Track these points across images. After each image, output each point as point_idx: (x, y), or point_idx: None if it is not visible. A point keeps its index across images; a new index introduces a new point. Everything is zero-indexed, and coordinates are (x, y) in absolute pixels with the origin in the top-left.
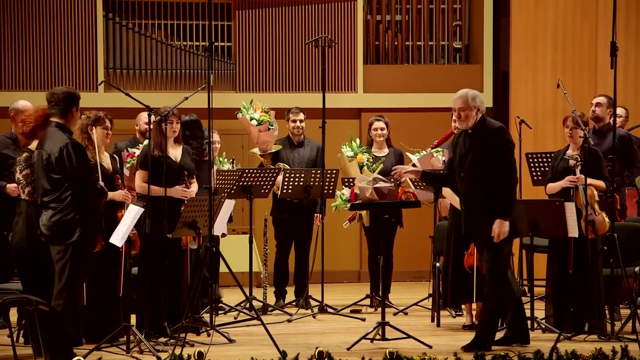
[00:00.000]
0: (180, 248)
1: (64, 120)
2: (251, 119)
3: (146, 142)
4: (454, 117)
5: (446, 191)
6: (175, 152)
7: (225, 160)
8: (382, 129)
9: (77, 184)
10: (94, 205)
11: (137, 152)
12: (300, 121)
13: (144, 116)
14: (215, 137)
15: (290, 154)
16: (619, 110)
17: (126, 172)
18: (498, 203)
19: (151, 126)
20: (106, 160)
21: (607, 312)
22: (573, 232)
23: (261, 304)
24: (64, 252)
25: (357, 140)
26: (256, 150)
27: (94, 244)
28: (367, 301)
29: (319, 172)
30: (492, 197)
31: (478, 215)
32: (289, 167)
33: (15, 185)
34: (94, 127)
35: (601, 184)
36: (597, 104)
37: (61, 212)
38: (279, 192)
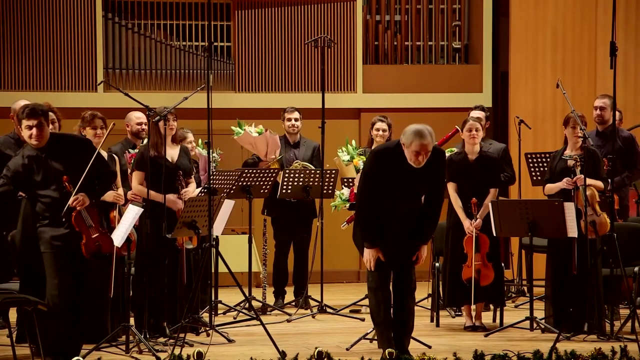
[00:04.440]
0: (177, 248)
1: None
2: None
3: (145, 142)
4: (419, 160)
5: (451, 192)
6: (173, 152)
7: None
8: (384, 130)
9: None
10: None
11: None
12: (295, 120)
13: (134, 116)
14: (190, 136)
15: (286, 153)
16: None
17: None
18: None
19: (149, 126)
20: None
21: (606, 312)
22: (572, 232)
23: (260, 304)
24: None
25: (353, 142)
26: (270, 160)
27: (64, 247)
28: (367, 301)
29: (318, 172)
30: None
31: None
32: (313, 167)
33: None
34: (84, 129)
35: (599, 184)
36: (602, 108)
37: None
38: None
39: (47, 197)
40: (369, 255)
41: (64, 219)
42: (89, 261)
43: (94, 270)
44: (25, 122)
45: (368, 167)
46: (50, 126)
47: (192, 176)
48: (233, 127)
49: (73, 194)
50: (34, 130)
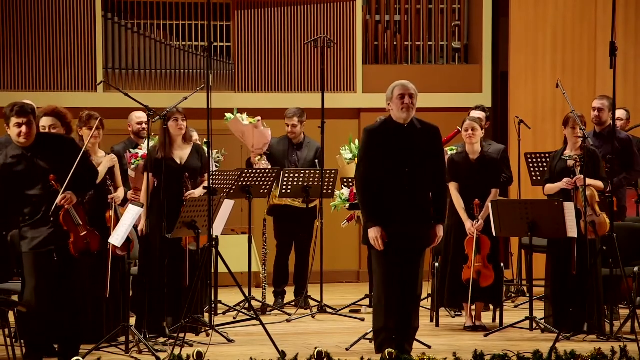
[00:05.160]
0: (180, 248)
1: None
2: (241, 119)
3: (152, 143)
4: (405, 102)
5: (452, 192)
6: (182, 153)
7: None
8: None
9: None
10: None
11: (140, 152)
12: (294, 126)
13: (135, 116)
14: (195, 135)
15: (289, 155)
16: (620, 113)
17: (131, 173)
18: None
19: (152, 127)
20: (98, 161)
21: (606, 312)
22: (572, 232)
23: (260, 304)
24: None
25: (356, 142)
26: (258, 158)
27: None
28: (366, 301)
29: (318, 172)
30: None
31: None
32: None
33: None
34: (81, 129)
35: (599, 184)
36: (600, 109)
37: None
38: (275, 200)
39: (33, 197)
40: (372, 234)
41: (52, 218)
42: (78, 260)
43: (83, 268)
44: (14, 120)
45: (362, 147)
46: (56, 130)
47: (205, 175)
48: (226, 114)
49: (61, 192)
50: (23, 128)
